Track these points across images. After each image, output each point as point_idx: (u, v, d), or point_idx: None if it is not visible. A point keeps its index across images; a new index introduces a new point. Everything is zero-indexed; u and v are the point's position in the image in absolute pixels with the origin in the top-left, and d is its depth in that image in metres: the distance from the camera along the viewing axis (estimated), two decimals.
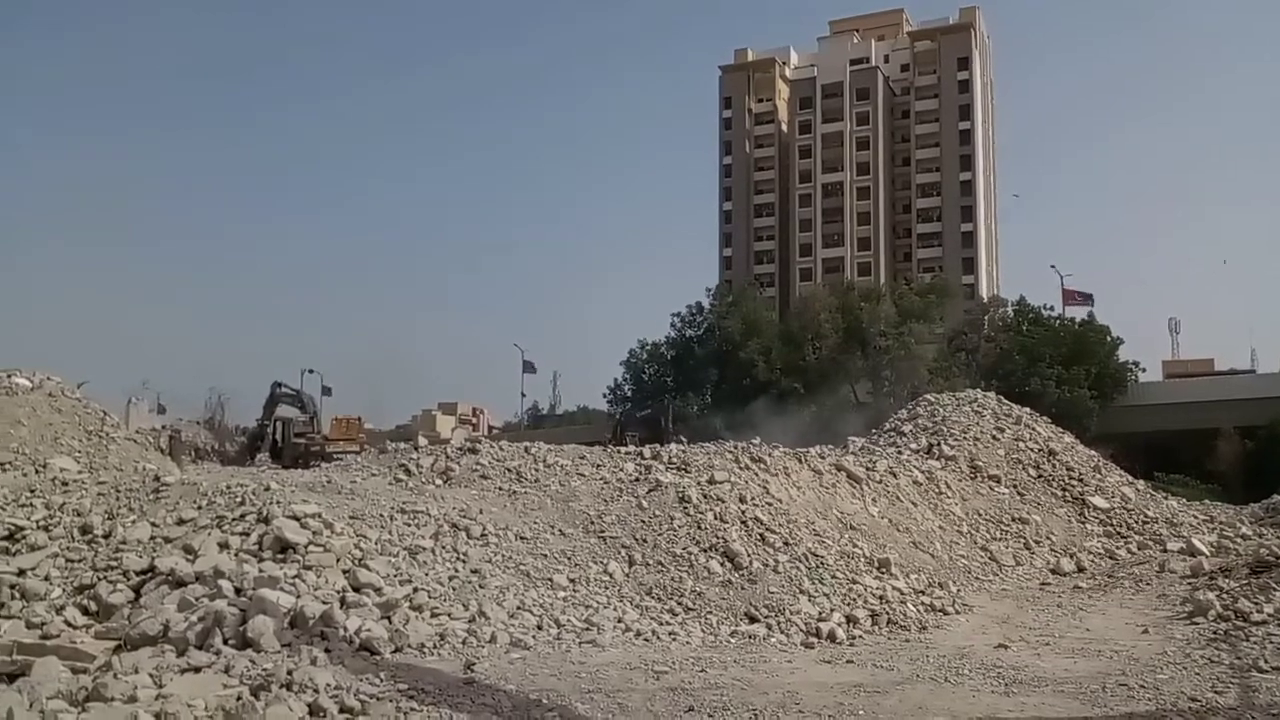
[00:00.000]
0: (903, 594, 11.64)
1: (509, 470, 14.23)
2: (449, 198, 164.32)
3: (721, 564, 11.20)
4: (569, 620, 9.42)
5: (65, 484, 12.14)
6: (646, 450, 15.64)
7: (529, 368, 73.71)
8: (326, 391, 50.86)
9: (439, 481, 13.84)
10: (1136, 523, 18.01)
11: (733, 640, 9.39)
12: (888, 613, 10.76)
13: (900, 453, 19.55)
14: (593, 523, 12.26)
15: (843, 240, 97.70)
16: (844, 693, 7.13)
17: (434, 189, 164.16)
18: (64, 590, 9.35)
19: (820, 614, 10.35)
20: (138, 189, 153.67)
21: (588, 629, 9.20)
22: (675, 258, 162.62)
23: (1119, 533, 17.58)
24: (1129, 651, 8.91)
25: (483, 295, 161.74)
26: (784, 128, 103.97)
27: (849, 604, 10.88)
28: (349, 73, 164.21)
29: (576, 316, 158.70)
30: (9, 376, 18.03)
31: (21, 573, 9.56)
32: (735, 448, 15.80)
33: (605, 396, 63.54)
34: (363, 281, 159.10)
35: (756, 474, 14.00)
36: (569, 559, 11.27)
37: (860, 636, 9.93)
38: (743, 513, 12.45)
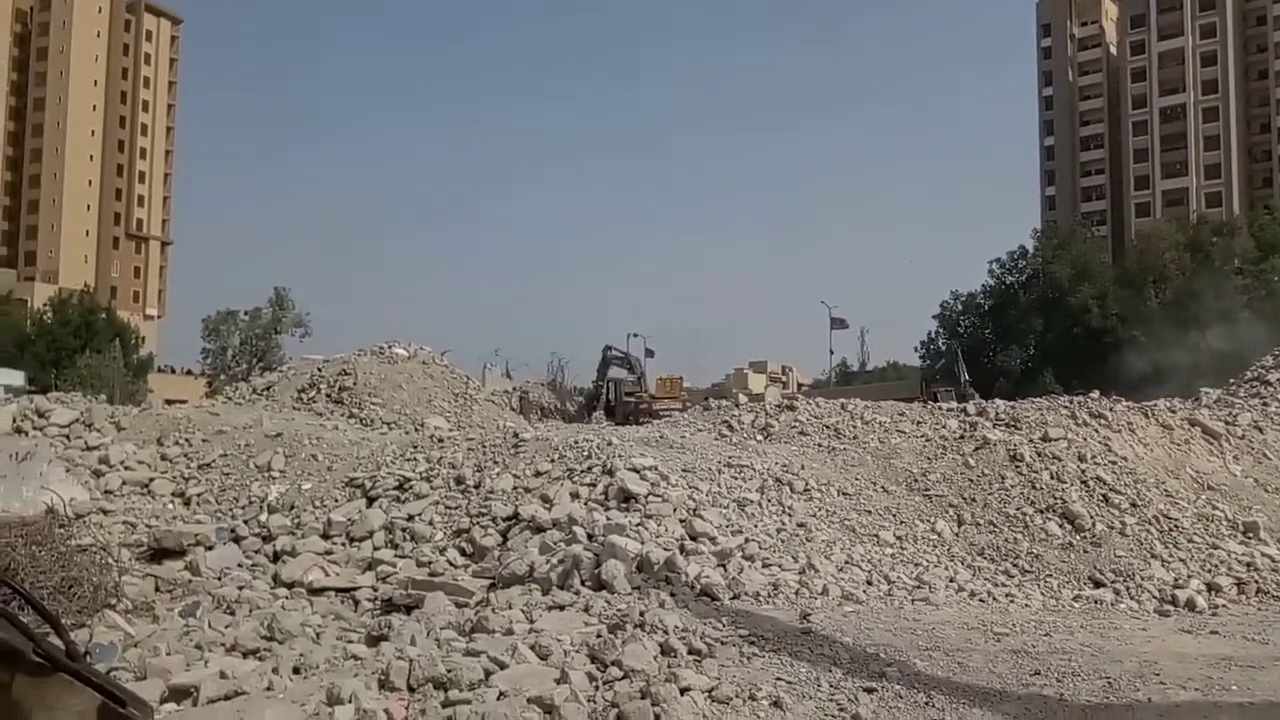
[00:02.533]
0: (1274, 562, 10.48)
1: (827, 427, 14.34)
2: (746, 161, 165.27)
3: (1060, 525, 10.67)
4: (899, 577, 9.42)
5: (440, 440, 13.81)
6: (970, 406, 15.10)
7: (838, 324, 72.64)
8: (649, 353, 53.19)
9: (760, 437, 14.23)
10: None
11: (1076, 605, 8.97)
12: (1257, 581, 9.77)
13: (1266, 405, 17.38)
14: (916, 480, 12.09)
15: (1186, 169, 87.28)
16: (1210, 665, 6.62)
17: (735, 156, 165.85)
18: (445, 533, 10.67)
19: (1176, 580, 9.62)
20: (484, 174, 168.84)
21: (919, 587, 9.16)
22: (988, 202, 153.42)
23: None
24: None
25: (784, 252, 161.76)
26: (1112, 50, 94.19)
27: (1209, 570, 10.00)
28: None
29: (881, 270, 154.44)
30: (389, 347, 20.86)
31: (410, 518, 11.05)
32: (1070, 402, 14.83)
33: (917, 351, 61.57)
34: (673, 243, 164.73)
35: (1096, 430, 13.09)
36: (894, 516, 11.23)
37: (1224, 606, 9.13)
38: (1082, 471, 11.73)
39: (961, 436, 13.11)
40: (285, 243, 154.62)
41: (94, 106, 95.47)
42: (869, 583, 9.19)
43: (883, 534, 10.63)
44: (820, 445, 13.61)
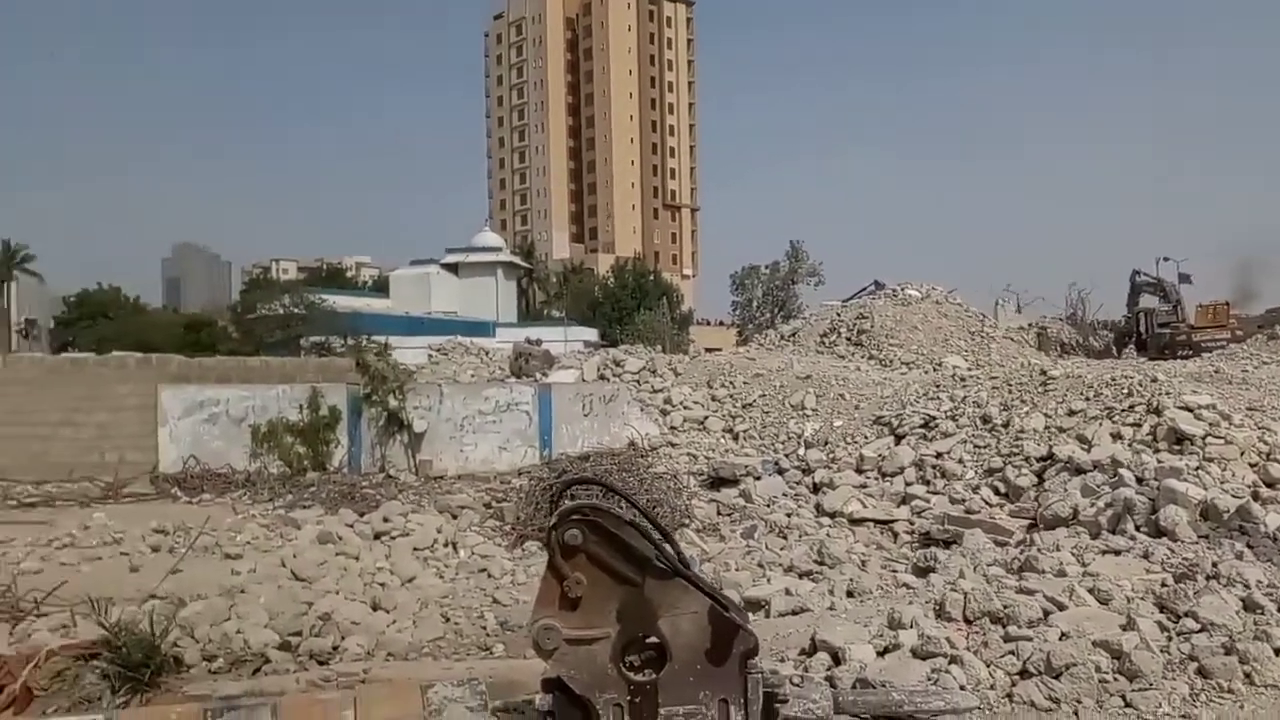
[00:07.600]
0: None
1: None
2: None
3: None
4: None
5: (962, 379, 13.69)
6: None
7: None
8: (1185, 278, 46.61)
9: None
10: None
11: None
12: None
13: None
14: None
15: None
16: None
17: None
18: (975, 471, 10.63)
19: None
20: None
21: None
22: None
23: None
24: None
25: None
26: None
27: None
28: None
29: None
30: (902, 289, 21.22)
31: (939, 455, 11.18)
32: None
33: None
34: (1220, 155, 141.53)
35: None
36: None
37: None
38: None
39: None
40: (792, 196, 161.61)
41: (630, 94, 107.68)
42: None
43: None
44: None
